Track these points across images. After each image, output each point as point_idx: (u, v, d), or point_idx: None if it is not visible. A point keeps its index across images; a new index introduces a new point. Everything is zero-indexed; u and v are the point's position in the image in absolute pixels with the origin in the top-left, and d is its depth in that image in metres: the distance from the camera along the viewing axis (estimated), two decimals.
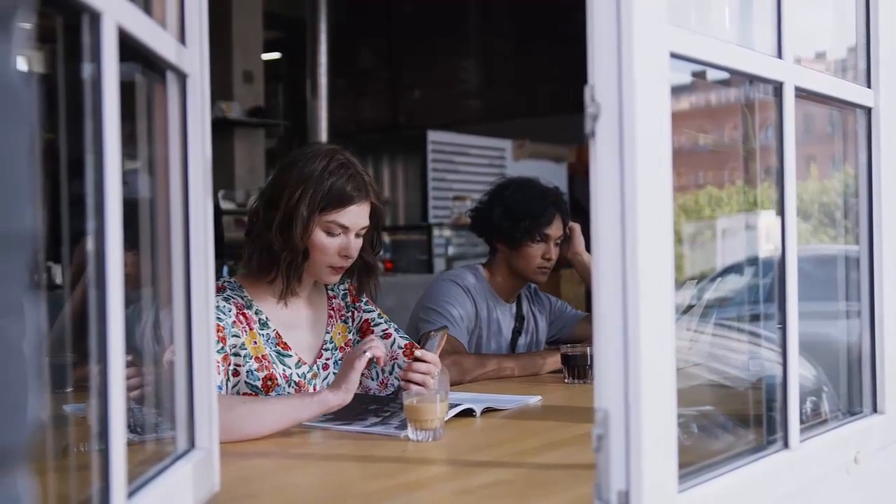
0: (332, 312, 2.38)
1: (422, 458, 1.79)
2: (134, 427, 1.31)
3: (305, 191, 2.15)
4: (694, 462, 1.33)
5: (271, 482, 1.66)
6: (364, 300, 2.42)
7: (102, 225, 0.98)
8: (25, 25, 0.62)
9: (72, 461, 1.16)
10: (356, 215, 2.20)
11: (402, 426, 1.92)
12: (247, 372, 2.16)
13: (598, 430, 1.18)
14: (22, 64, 0.60)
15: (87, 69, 1.00)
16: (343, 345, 2.37)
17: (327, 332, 2.35)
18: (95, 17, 0.98)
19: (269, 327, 2.24)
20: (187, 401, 1.36)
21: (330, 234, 2.19)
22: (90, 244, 0.98)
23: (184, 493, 1.27)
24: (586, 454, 1.67)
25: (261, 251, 2.20)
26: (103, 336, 0.99)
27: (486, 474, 1.65)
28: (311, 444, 1.90)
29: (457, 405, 2.10)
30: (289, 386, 2.21)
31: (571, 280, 6.15)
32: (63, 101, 1.06)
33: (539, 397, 2.38)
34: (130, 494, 1.06)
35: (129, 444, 1.04)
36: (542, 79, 9.16)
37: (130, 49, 1.10)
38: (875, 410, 1.80)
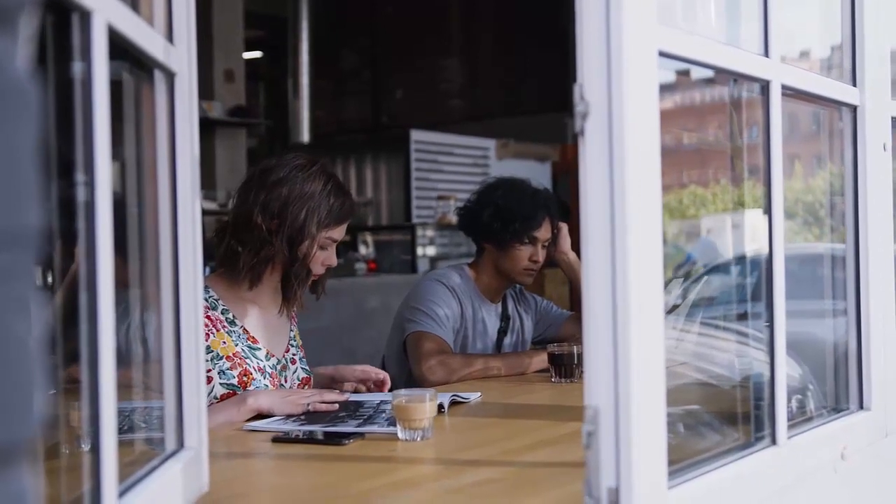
0: (293, 313, 2.45)
1: (411, 457, 1.78)
2: (120, 427, 1.30)
3: (312, 210, 2.22)
4: (683, 459, 1.34)
5: (259, 482, 1.66)
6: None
7: (93, 225, 0.98)
8: (31, 23, 0.61)
9: (62, 461, 1.16)
10: (345, 229, 2.33)
11: (392, 423, 1.92)
12: (219, 373, 2.19)
13: (588, 426, 1.17)
14: (27, 62, 0.60)
15: (76, 68, 0.99)
16: (300, 345, 2.46)
17: (291, 330, 2.43)
18: (86, 16, 0.98)
19: (236, 325, 2.28)
20: (176, 401, 1.36)
21: (323, 248, 2.28)
22: (80, 246, 0.98)
23: (174, 493, 1.27)
24: (575, 452, 1.68)
25: (263, 261, 2.24)
26: (94, 337, 0.98)
27: (476, 473, 1.65)
28: (298, 444, 1.89)
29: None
30: (264, 378, 2.25)
31: (555, 279, 6.16)
32: (51, 99, 1.06)
33: (479, 394, 2.38)
34: (121, 494, 1.06)
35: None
36: (526, 78, 9.19)
37: (118, 47, 1.10)
38: (861, 407, 1.81)
